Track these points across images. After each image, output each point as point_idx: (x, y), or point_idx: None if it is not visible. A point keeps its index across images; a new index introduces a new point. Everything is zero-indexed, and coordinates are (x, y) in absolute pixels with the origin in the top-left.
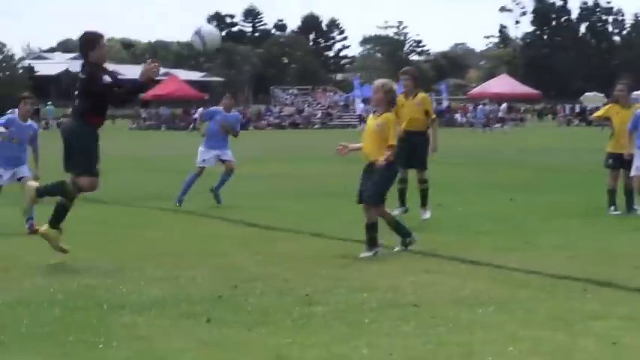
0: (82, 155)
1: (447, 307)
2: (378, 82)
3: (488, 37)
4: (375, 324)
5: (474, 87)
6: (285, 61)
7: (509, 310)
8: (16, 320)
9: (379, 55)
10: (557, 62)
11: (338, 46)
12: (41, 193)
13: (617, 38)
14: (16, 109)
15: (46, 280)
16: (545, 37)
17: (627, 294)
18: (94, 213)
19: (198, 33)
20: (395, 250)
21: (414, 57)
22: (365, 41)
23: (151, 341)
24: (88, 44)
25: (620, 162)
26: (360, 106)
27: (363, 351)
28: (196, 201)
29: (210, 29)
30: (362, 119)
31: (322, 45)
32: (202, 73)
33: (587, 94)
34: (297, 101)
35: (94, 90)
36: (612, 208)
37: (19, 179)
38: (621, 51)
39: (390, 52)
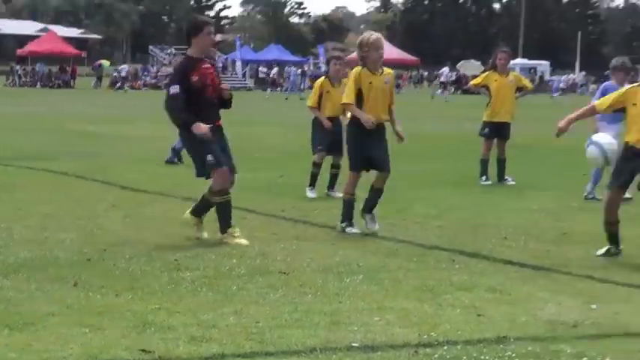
0: (192, 158)
1: (316, 275)
2: (379, 35)
3: (369, 1)
4: (243, 291)
5: (353, 51)
6: (166, 19)
7: (377, 279)
8: None
9: (259, 16)
10: (436, 28)
11: (219, 6)
12: (196, 212)
13: (496, 6)
14: None
15: None
16: (426, 2)
17: (494, 265)
18: None
19: (595, 144)
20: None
21: (294, 19)
22: (245, 2)
23: (16, 304)
24: (192, 30)
25: (495, 131)
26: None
27: (230, 318)
28: (70, 162)
29: (605, 140)
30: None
31: (203, 4)
32: (81, 30)
33: (463, 61)
34: (175, 61)
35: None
36: (484, 177)
37: None
38: (500, 19)
39: (270, 13)
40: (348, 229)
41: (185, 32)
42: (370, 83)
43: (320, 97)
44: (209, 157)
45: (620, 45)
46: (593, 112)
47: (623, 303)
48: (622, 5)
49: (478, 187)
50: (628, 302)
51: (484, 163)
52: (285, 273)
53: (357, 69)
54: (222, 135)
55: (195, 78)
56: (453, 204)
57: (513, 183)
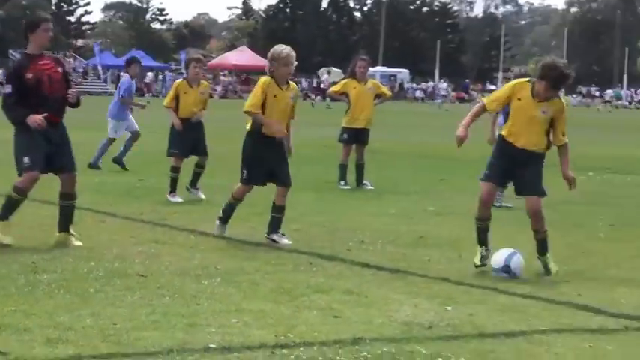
0: (15, 155)
1: (174, 277)
2: (291, 51)
3: (231, 9)
4: (101, 293)
5: (214, 57)
6: None
7: (235, 281)
8: None
9: (121, 22)
10: (298, 36)
11: (80, 11)
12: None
13: (357, 14)
14: None
15: None
16: (287, 10)
17: (351, 268)
18: None
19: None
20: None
21: (156, 25)
22: (107, 7)
23: None
24: (28, 27)
25: (354, 137)
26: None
27: (86, 320)
28: None
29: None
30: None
31: (65, 10)
32: None
33: (323, 68)
34: None
35: None
36: (343, 182)
37: None
38: (361, 27)
39: (132, 19)
40: (217, 230)
41: (23, 29)
42: (275, 96)
43: (177, 98)
44: (25, 160)
45: (479, 54)
46: (483, 110)
47: (478, 304)
48: (480, 15)
49: (337, 192)
50: (482, 304)
51: (343, 168)
52: (143, 275)
53: (267, 78)
54: (61, 132)
55: (29, 75)
56: (312, 208)
57: (372, 188)
